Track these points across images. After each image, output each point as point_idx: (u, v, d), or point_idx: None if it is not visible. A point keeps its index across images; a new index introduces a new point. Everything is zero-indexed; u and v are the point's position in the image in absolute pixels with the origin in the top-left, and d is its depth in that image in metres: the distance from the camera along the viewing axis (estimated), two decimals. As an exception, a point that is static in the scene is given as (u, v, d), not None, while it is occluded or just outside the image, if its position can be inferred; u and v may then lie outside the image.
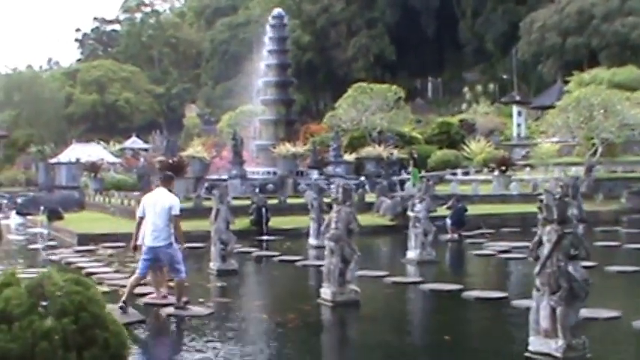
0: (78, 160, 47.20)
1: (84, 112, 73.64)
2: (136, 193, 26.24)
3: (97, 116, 74.26)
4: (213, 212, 12.97)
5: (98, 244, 18.22)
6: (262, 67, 31.94)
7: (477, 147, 37.40)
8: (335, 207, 9.09)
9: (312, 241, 17.06)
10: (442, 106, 73.47)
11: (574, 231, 6.60)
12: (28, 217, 28.45)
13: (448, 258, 16.75)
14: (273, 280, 13.76)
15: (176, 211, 9.13)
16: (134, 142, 57.58)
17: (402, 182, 28.13)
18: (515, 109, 51.04)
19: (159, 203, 9.14)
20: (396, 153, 30.51)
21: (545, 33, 57.89)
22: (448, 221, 18.45)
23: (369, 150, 29.74)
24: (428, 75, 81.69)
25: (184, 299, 9.39)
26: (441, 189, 25.62)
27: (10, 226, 26.81)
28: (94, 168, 33.07)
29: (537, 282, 6.65)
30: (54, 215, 25.49)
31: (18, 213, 29.79)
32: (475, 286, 11.44)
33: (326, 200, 15.17)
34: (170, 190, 9.49)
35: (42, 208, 26.67)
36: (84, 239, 19.18)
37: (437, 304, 10.86)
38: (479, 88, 64.07)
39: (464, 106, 61.89)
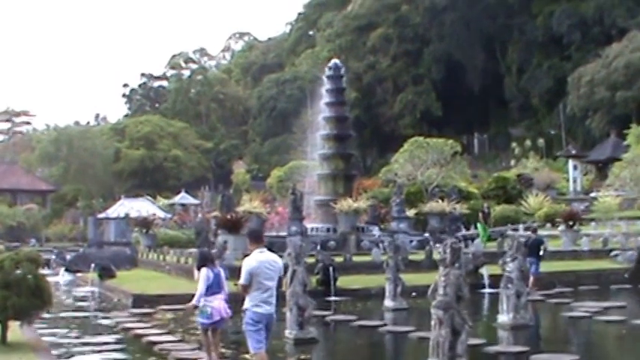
0: (127, 215, 47.17)
1: (132, 167, 74.16)
2: (192, 250, 25.61)
3: (145, 171, 74.67)
4: (289, 274, 12.00)
5: (155, 306, 17.27)
6: (318, 121, 31.24)
7: (535, 202, 36.33)
8: (442, 269, 8.17)
9: (388, 303, 16.07)
10: (489, 161, 72.68)
11: None
12: (78, 274, 27.94)
13: (541, 321, 15.59)
14: (361, 351, 12.49)
15: (282, 273, 8.57)
16: (183, 197, 57.50)
17: (466, 238, 27.07)
18: (571, 163, 50.01)
19: (272, 266, 8.30)
20: (459, 208, 29.46)
21: (594, 87, 57.22)
22: (529, 266, 17.32)
23: (433, 205, 28.77)
24: (474, 131, 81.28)
25: None
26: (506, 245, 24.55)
27: (59, 283, 26.31)
28: (145, 223, 32.56)
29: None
30: (106, 273, 24.75)
31: (67, 270, 29.32)
32: (594, 358, 10.34)
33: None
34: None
35: (93, 265, 26.09)
36: (139, 300, 18.20)
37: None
38: (527, 143, 63.09)
39: (513, 161, 60.91)
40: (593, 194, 43.24)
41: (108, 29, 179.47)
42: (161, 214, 45.48)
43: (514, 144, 64.49)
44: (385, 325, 13.76)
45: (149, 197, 54.38)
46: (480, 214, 29.63)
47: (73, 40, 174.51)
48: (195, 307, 9.86)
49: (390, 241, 17.02)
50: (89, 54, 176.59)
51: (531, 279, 17.55)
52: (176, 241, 32.25)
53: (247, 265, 8.29)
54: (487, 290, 19.49)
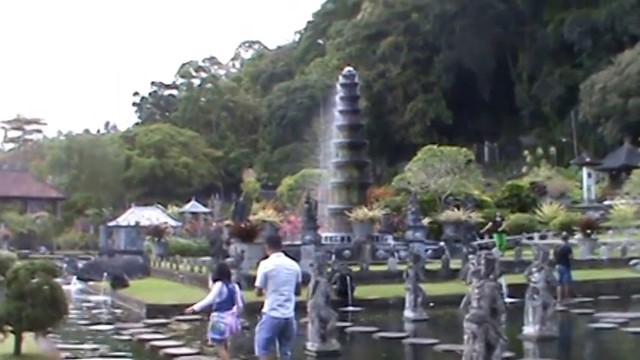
0: (137, 223, 47.02)
1: (142, 175, 74.15)
2: (205, 259, 25.33)
3: (155, 180, 74.65)
4: (311, 285, 11.71)
5: (169, 316, 16.95)
6: (332, 129, 30.97)
7: (549, 210, 35.93)
8: (475, 281, 7.85)
9: (408, 313, 15.69)
10: (499, 170, 72.30)
11: None
12: (90, 283, 27.71)
13: (567, 333, 15.12)
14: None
15: (300, 279, 8.50)
16: (193, 205, 57.33)
17: (481, 247, 26.69)
18: (585, 171, 49.51)
19: (289, 270, 8.35)
20: (474, 217, 29.09)
21: (606, 95, 56.81)
22: (560, 274, 17.00)
23: (449, 214, 28.42)
24: (484, 139, 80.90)
25: None
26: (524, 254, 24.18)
27: (71, 292, 26.05)
28: (157, 232, 32.34)
29: None
30: (118, 282, 24.42)
31: (79, 278, 29.07)
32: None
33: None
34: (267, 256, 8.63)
35: (105, 273, 25.87)
36: (153, 310, 17.91)
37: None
38: (539, 151, 62.69)
39: (524, 169, 60.51)
40: (606, 202, 42.81)
41: (118, 37, 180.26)
42: (172, 222, 45.32)
43: (526, 152, 64.02)
44: (407, 336, 13.44)
45: (159, 205, 54.29)
46: (491, 224, 29.28)
47: (83, 49, 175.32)
48: (194, 312, 9.86)
49: (410, 250, 16.67)
50: (99, 62, 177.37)
51: (559, 288, 17.14)
52: (187, 249, 32.02)
53: (263, 267, 8.37)
54: (505, 300, 19.11)
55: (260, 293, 8.37)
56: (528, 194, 39.86)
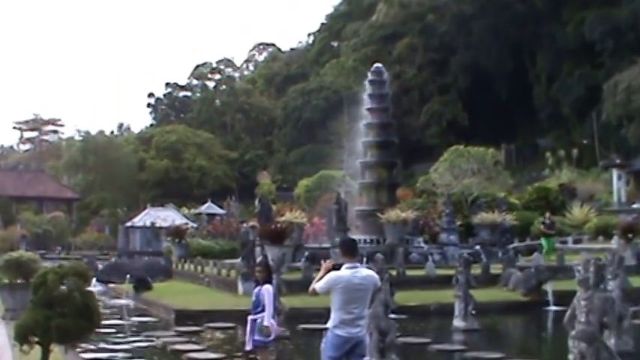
0: (153, 224, 46.40)
1: (157, 177, 73.74)
2: (231, 261, 24.48)
3: (170, 181, 74.19)
4: (369, 293, 10.82)
5: (200, 323, 16.08)
6: (358, 128, 30.04)
7: (580, 213, 34.76)
8: (583, 292, 6.93)
9: (458, 323, 14.79)
10: (517, 172, 71.12)
11: None
12: (110, 285, 26.96)
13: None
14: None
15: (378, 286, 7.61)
16: (209, 207, 56.65)
17: (518, 251, 25.76)
18: (615, 172, 48.16)
19: (362, 285, 7.04)
20: (508, 219, 28.02)
21: (631, 95, 55.57)
22: None
23: (484, 216, 27.38)
24: (500, 141, 79.84)
25: None
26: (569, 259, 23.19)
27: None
28: (178, 233, 31.57)
29: None
30: (142, 285, 23.66)
31: (98, 280, 28.31)
32: None
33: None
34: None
35: (128, 276, 25.08)
36: (182, 317, 16.97)
37: None
38: (561, 153, 61.62)
39: (546, 171, 59.41)
40: (635, 205, 41.70)
41: (131, 39, 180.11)
42: (189, 223, 44.62)
43: (548, 154, 62.89)
44: (467, 349, 12.47)
45: (174, 206, 53.75)
46: (542, 226, 28.18)
47: (96, 50, 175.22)
48: (268, 328, 9.15)
49: (461, 254, 15.76)
50: (111, 63, 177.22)
51: None
52: (209, 251, 31.21)
53: (330, 278, 7.06)
54: (552, 308, 18.21)
55: (314, 293, 7.23)
56: (557, 197, 38.76)
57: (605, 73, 62.29)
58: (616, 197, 45.92)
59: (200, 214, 54.01)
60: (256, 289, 9.31)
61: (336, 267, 7.17)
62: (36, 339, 9.25)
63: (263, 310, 9.02)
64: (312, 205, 51.73)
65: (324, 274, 7.07)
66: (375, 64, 32.25)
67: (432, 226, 30.36)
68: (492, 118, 74.75)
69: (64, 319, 9.21)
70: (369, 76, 30.76)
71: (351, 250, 7.23)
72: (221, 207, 58.14)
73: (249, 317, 9.19)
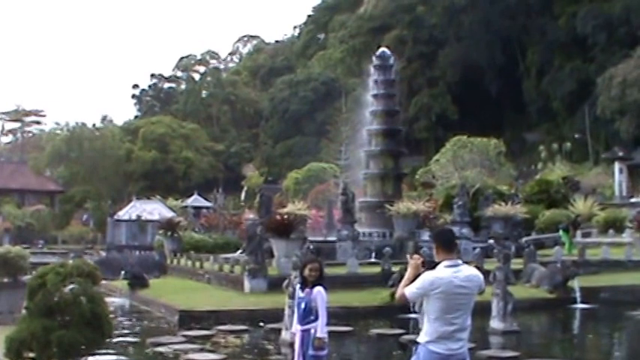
0: (139, 217, 44.96)
1: (144, 169, 72.24)
2: (226, 256, 23.26)
3: (156, 173, 72.74)
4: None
5: (207, 325, 14.54)
6: (366, 115, 28.71)
7: (584, 206, 33.97)
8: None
9: (496, 324, 13.40)
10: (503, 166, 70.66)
11: None
12: (102, 282, 25.55)
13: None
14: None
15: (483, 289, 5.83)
16: (196, 199, 55.31)
17: (531, 244, 24.72)
18: (617, 166, 47.53)
19: (465, 289, 5.62)
20: (519, 212, 26.95)
21: (626, 89, 55.08)
22: None
23: (497, 208, 26.30)
24: (489, 135, 79.20)
25: None
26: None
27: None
28: (171, 226, 30.17)
29: None
30: (137, 282, 22.07)
31: (87, 276, 26.90)
32: None
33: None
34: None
35: (123, 272, 23.65)
36: (187, 318, 15.41)
37: None
38: (554, 146, 61.07)
39: (539, 165, 58.85)
40: (633, 199, 41.13)
41: (115, 30, 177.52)
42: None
43: (541, 147, 62.30)
44: (520, 356, 11.13)
45: (160, 199, 52.36)
46: (569, 224, 27.13)
47: (80, 41, 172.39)
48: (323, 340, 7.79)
49: (499, 249, 14.56)
50: (95, 54, 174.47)
51: None
52: (203, 245, 29.88)
53: (426, 281, 5.56)
54: (579, 306, 17.14)
55: (404, 300, 5.74)
56: (558, 190, 37.93)
57: (597, 67, 61.85)
58: (617, 190, 45.34)
59: (186, 206, 52.61)
60: (303, 293, 7.81)
61: (425, 263, 5.72)
62: (32, 354, 7.72)
63: (316, 319, 7.64)
64: (302, 198, 50.66)
65: (414, 274, 5.68)
66: (381, 49, 30.91)
67: (432, 219, 29.24)
68: (481, 111, 74.05)
69: (68, 330, 7.71)
70: (374, 60, 29.43)
71: (449, 244, 5.79)
72: (207, 199, 56.82)
73: (298, 328, 7.78)
